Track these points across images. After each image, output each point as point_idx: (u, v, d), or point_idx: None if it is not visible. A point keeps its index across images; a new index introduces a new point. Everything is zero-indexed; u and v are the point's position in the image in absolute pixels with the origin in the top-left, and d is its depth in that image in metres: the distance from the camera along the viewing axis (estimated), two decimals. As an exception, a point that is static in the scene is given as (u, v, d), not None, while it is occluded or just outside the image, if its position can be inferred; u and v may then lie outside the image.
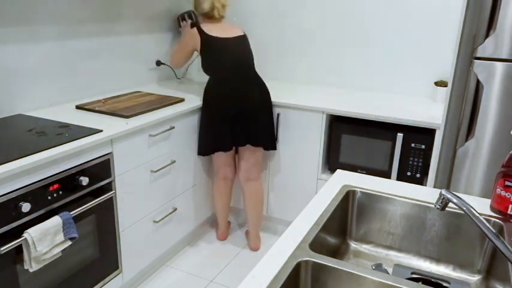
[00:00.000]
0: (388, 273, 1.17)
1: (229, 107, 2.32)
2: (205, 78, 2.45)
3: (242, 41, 2.46)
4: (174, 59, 2.58)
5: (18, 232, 1.49)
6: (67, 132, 1.78)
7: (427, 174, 2.24)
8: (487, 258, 1.17)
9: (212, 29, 2.43)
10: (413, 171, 2.26)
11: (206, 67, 2.43)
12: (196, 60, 3.05)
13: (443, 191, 0.98)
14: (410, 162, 2.25)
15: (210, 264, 2.47)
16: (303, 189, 2.58)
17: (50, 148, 1.61)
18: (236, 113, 2.34)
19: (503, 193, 1.13)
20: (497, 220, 1.15)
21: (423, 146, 2.20)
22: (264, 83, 2.42)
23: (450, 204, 1.19)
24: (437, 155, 2.05)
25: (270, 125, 2.43)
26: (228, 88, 2.33)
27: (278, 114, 2.51)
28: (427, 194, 1.29)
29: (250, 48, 2.49)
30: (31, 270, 1.53)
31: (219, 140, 2.37)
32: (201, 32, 2.40)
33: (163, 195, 2.25)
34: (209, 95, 2.36)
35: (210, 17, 2.48)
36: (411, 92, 2.71)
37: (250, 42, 2.51)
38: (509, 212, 1.13)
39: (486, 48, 1.77)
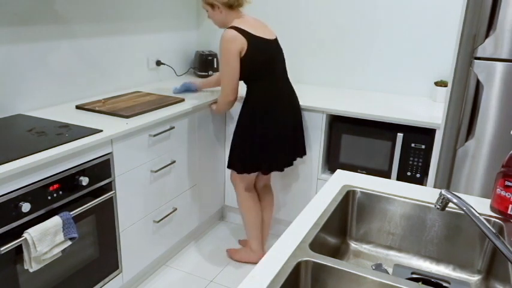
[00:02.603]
0: (388, 273, 1.17)
1: (285, 120, 2.16)
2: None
3: (278, 45, 2.23)
4: (225, 96, 2.13)
5: (18, 232, 1.49)
6: (67, 132, 1.78)
7: (427, 174, 2.24)
8: (487, 258, 1.17)
9: (250, 27, 2.07)
10: (413, 171, 2.26)
11: (250, 75, 2.13)
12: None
13: (443, 191, 0.98)
14: (410, 162, 2.25)
15: (210, 264, 2.47)
16: (303, 189, 2.58)
17: (50, 148, 1.61)
18: (291, 127, 2.19)
19: (503, 193, 1.13)
20: (497, 220, 1.15)
21: (423, 146, 2.20)
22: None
23: (450, 204, 1.19)
24: (437, 155, 2.05)
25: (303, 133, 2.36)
26: (282, 99, 2.16)
27: (278, 114, 2.50)
28: (427, 194, 1.29)
29: None
30: (31, 270, 1.53)
31: (274, 158, 2.18)
32: (245, 33, 2.03)
33: (163, 195, 2.25)
34: (261, 106, 2.12)
35: (233, 6, 2.10)
36: (411, 92, 2.71)
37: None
38: (509, 212, 1.13)
39: (486, 48, 1.77)
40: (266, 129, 2.13)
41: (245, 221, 2.39)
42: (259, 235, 2.40)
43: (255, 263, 2.34)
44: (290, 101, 2.21)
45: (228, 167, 2.29)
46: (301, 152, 2.34)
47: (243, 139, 2.18)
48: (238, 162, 2.22)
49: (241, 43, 2.03)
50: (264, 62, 2.11)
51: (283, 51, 2.26)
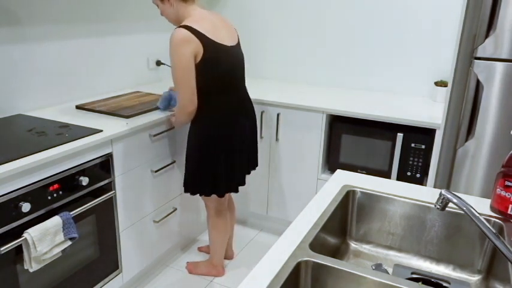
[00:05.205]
0: (388, 273, 1.17)
1: (244, 134, 2.02)
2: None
3: (240, 51, 1.96)
4: (183, 108, 1.84)
5: (18, 232, 1.49)
6: (67, 132, 1.78)
7: (427, 174, 2.24)
8: (487, 258, 1.17)
9: (206, 28, 1.77)
10: (413, 171, 2.26)
11: (205, 88, 1.83)
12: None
13: (443, 191, 0.98)
14: (410, 162, 2.25)
15: (210, 264, 2.47)
16: (303, 189, 2.58)
17: (50, 148, 1.61)
18: (249, 141, 2.08)
19: (503, 193, 1.13)
20: (497, 220, 1.15)
21: (423, 146, 2.20)
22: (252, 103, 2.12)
23: (450, 204, 1.19)
24: (437, 155, 2.05)
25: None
26: (241, 113, 1.99)
27: (278, 114, 2.51)
28: (427, 194, 1.29)
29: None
30: (31, 270, 1.53)
31: (238, 175, 2.06)
32: (200, 36, 1.73)
33: (163, 195, 2.25)
34: (217, 122, 1.91)
35: None
36: (411, 92, 2.71)
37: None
38: (509, 212, 1.13)
39: (486, 48, 1.77)
40: (227, 147, 1.95)
41: (212, 241, 2.24)
42: (224, 252, 2.31)
43: (216, 276, 2.34)
44: (248, 114, 2.05)
45: (192, 192, 2.04)
46: (254, 164, 2.20)
47: (203, 162, 1.95)
48: (205, 186, 2.01)
49: (196, 46, 1.72)
50: (223, 74, 1.83)
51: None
